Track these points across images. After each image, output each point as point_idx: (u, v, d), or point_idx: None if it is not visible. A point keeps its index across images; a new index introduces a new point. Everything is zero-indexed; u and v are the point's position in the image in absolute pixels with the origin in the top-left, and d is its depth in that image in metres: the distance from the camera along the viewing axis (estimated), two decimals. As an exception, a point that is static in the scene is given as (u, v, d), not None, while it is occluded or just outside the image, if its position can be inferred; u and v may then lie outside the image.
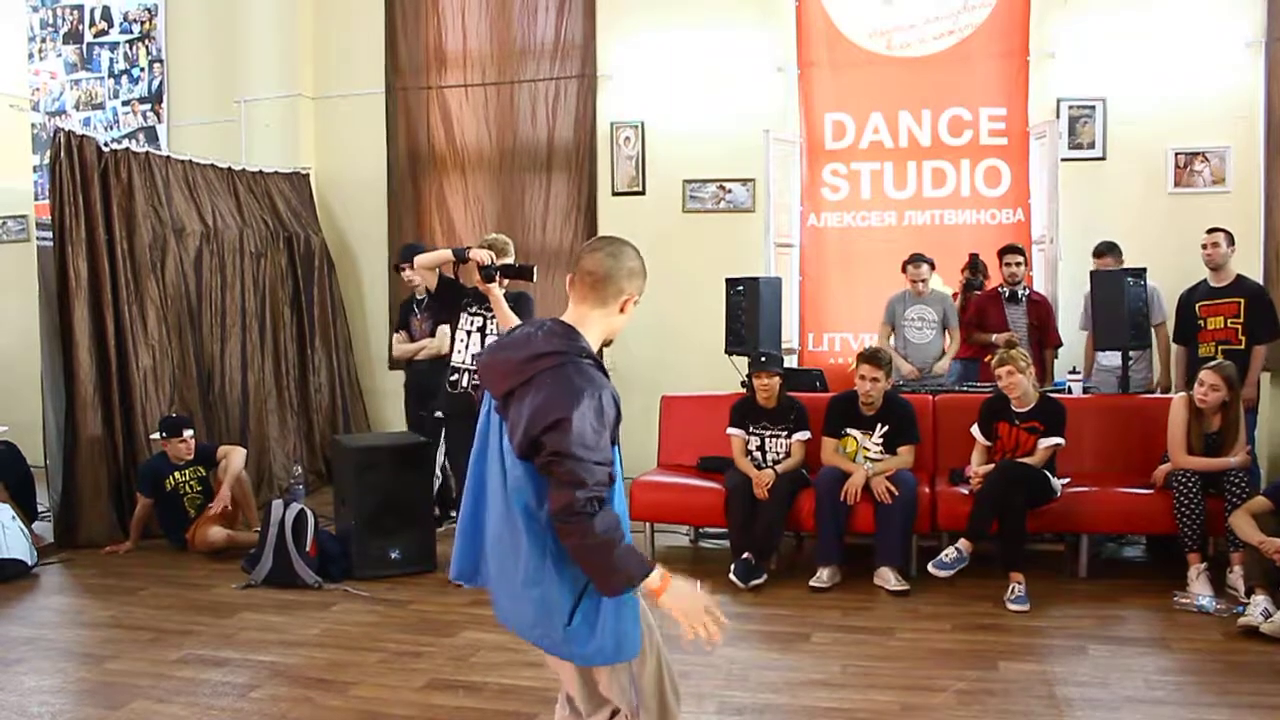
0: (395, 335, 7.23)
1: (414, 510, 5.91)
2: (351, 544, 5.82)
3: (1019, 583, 5.26)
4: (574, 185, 8.76)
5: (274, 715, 4.00)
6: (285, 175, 8.83)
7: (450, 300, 5.67)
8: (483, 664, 4.52)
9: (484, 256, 5.24)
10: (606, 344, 2.74)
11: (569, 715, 2.93)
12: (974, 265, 7.33)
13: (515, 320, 4.67)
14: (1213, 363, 5.72)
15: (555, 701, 4.03)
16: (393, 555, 5.84)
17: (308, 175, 9.06)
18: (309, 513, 5.81)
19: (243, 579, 5.72)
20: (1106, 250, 7.09)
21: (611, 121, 8.64)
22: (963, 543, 5.38)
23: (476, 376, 5.45)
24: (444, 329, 6.96)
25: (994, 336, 6.81)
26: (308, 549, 5.71)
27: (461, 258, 5.51)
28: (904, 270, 7.08)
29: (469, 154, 8.94)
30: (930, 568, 5.38)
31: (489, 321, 5.60)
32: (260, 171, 8.56)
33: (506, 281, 5.23)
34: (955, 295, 7.30)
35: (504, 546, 2.62)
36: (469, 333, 5.68)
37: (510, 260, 5.62)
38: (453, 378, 5.72)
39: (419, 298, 6.99)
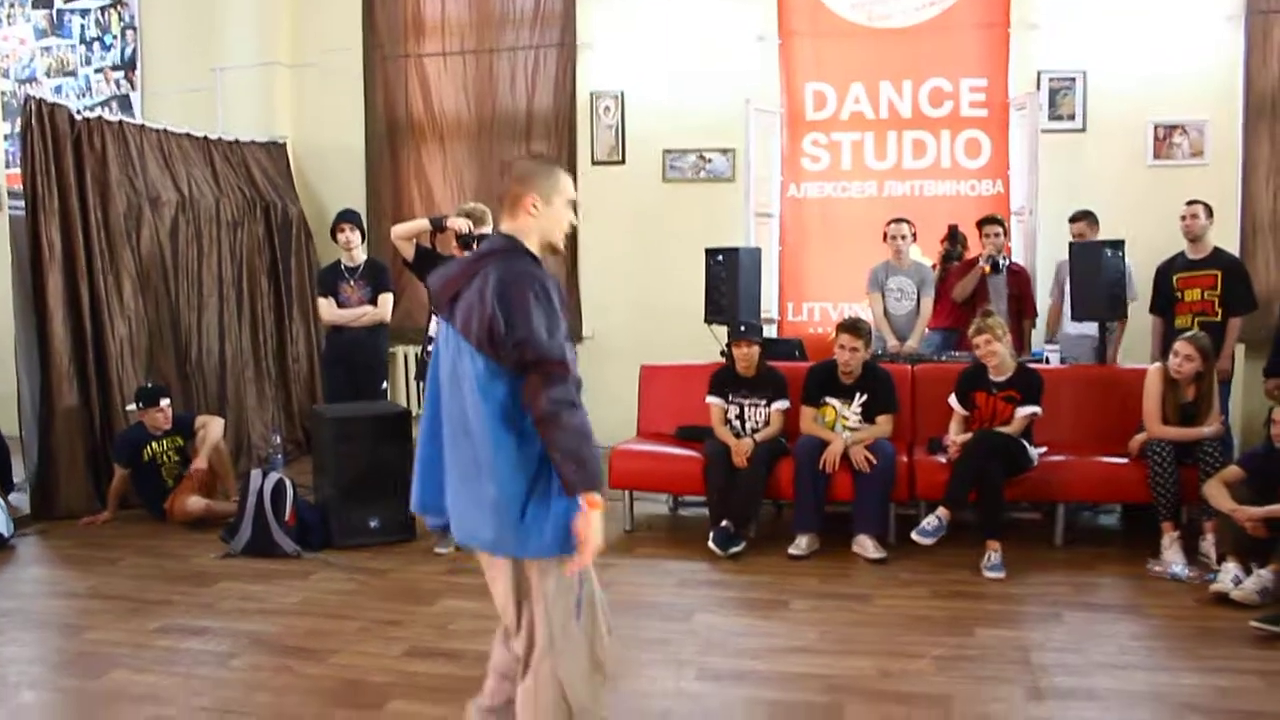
0: (321, 301, 7.05)
1: (393, 479, 5.88)
2: (330, 513, 5.83)
3: (995, 551, 5.30)
4: (553, 154, 8.70)
5: (254, 684, 4.01)
6: (262, 144, 8.75)
7: (428, 270, 5.64)
8: (461, 631, 4.53)
9: (462, 225, 5.22)
10: (552, 251, 2.97)
11: (505, 653, 3.07)
12: (953, 236, 7.34)
13: None
14: (1188, 333, 5.76)
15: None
16: (372, 524, 5.84)
17: (285, 144, 8.98)
18: (288, 482, 5.80)
19: (221, 549, 5.71)
20: (1082, 217, 7.14)
21: (591, 91, 8.59)
22: (942, 511, 5.42)
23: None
24: (387, 297, 6.95)
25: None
26: (286, 518, 5.71)
27: (439, 226, 5.48)
28: (885, 232, 7.07)
29: (447, 123, 8.88)
30: (914, 535, 5.41)
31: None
32: (236, 141, 8.48)
33: None
34: (934, 266, 7.31)
35: (464, 458, 2.78)
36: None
37: (488, 229, 5.61)
38: (431, 348, 5.68)
39: (349, 265, 6.94)
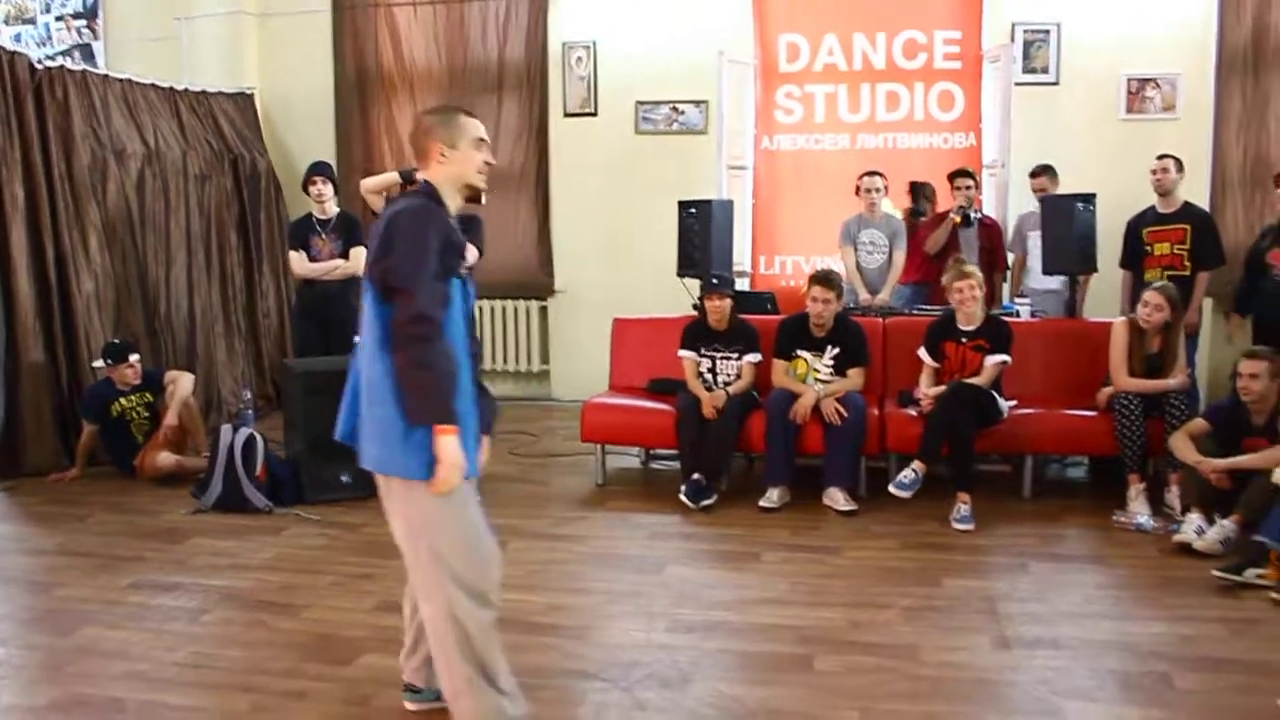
0: (292, 254, 7.00)
1: (365, 434, 5.88)
2: (302, 468, 5.81)
3: (965, 503, 5.36)
4: (525, 106, 8.64)
5: (226, 638, 4.01)
6: (229, 95, 8.62)
7: None
8: (435, 586, 4.54)
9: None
10: (473, 198, 3.16)
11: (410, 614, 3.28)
12: (916, 193, 7.33)
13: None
14: (1157, 284, 5.81)
15: (506, 621, 4.09)
16: (343, 479, 5.82)
17: (252, 95, 8.86)
18: (259, 437, 5.78)
19: (192, 505, 5.69)
20: (1042, 172, 7.16)
21: (563, 41, 8.49)
22: (917, 464, 5.45)
23: None
24: (360, 250, 6.90)
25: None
26: (257, 474, 5.69)
27: (409, 179, 5.42)
28: (859, 185, 7.07)
29: (418, 74, 8.77)
30: (891, 488, 5.44)
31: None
32: (204, 92, 8.36)
33: None
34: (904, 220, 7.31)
35: (369, 387, 2.95)
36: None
37: None
38: None
39: (321, 218, 6.89)
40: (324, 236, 6.88)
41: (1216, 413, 5.27)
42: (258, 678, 3.65)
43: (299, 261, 6.81)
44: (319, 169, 6.95)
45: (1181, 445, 5.21)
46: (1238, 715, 3.34)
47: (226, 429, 5.78)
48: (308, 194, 6.88)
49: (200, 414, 6.79)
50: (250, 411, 5.97)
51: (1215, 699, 3.45)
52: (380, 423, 2.91)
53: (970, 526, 5.26)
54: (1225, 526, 4.85)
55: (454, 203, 3.07)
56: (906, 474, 5.45)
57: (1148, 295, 5.69)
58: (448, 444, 2.82)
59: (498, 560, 3.07)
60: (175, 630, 4.09)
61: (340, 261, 6.76)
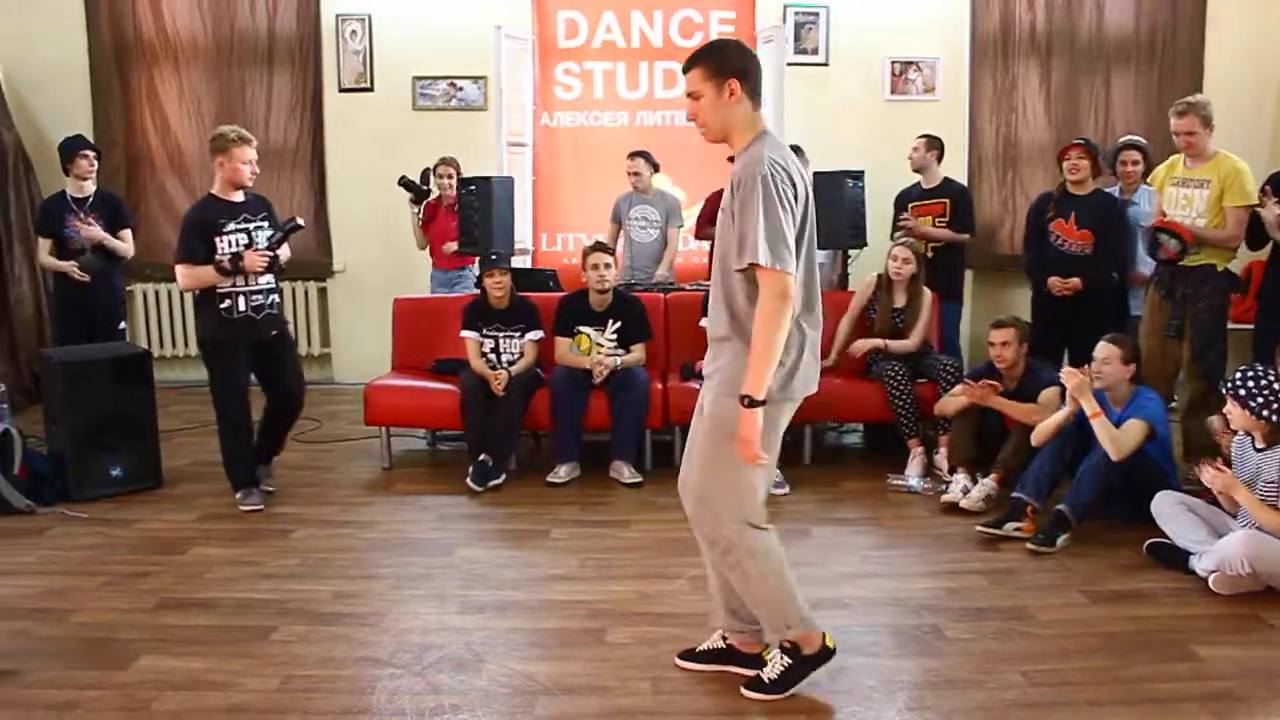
0: (42, 243, 6.74)
1: (136, 424, 5.61)
2: (67, 463, 5.48)
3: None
4: (298, 80, 8.34)
5: (-16, 649, 3.76)
6: (-33, 64, 8.00)
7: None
8: (216, 579, 4.38)
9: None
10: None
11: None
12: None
13: None
14: (901, 238, 6.19)
15: (293, 613, 4.00)
16: (114, 473, 5.54)
17: (-5, 64, 8.24)
18: (15, 432, 5.42)
19: (-59, 507, 5.30)
20: (794, 151, 7.41)
21: (337, 13, 8.22)
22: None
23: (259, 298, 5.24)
24: (128, 233, 6.71)
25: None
26: (15, 471, 5.34)
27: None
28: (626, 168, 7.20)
29: (181, 44, 8.32)
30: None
31: (253, 234, 5.23)
32: (-63, 59, 7.73)
33: None
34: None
35: None
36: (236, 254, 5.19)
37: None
38: (224, 304, 5.20)
39: (78, 196, 6.57)
40: (82, 216, 6.53)
41: (975, 377, 5.61)
42: (20, 691, 3.42)
43: (48, 255, 6.67)
44: (84, 143, 6.60)
45: (948, 403, 5.59)
46: (1001, 658, 3.58)
47: (-22, 424, 5.40)
48: (69, 173, 6.52)
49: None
50: (4, 405, 5.60)
51: (980, 644, 3.70)
52: None
53: (786, 490, 5.52)
54: (986, 485, 5.20)
55: None
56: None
57: (895, 250, 6.09)
58: None
59: None
60: (-73, 643, 3.81)
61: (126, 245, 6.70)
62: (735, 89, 3.10)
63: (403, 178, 6.86)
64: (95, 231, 6.53)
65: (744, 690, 3.36)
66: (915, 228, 6.76)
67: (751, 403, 3.00)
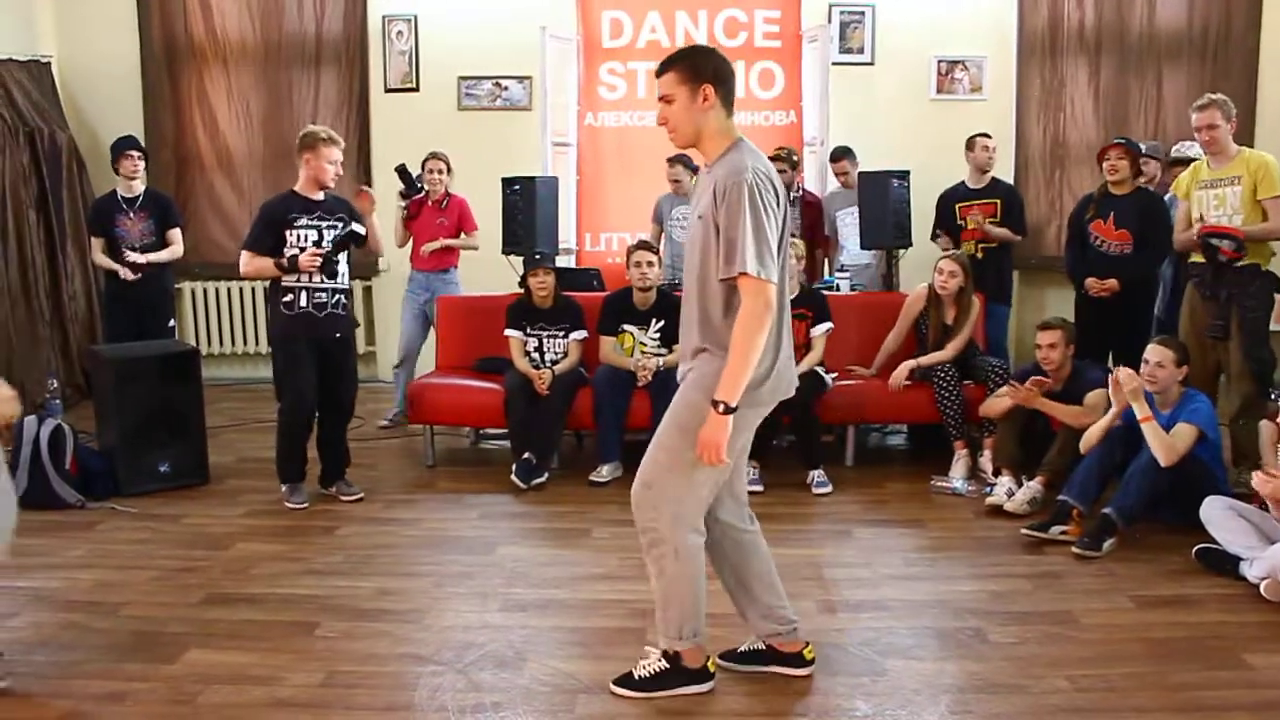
0: (94, 242, 6.80)
1: (184, 421, 5.69)
2: (116, 459, 5.56)
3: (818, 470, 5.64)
4: (345, 80, 8.43)
5: (36, 642, 3.80)
6: (21, 64, 8.11)
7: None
8: (261, 575, 4.43)
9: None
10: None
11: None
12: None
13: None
14: (949, 252, 6.11)
15: (337, 609, 4.04)
16: (162, 469, 5.62)
17: (49, 64, 8.36)
18: (67, 428, 5.50)
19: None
20: (843, 155, 7.38)
21: (384, 14, 8.31)
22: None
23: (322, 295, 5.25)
24: (178, 233, 6.81)
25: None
26: (67, 467, 5.42)
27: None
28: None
29: (231, 45, 8.44)
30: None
31: (326, 230, 5.24)
32: (-7, 58, 7.86)
33: None
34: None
35: None
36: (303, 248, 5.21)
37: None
38: (286, 298, 5.23)
39: (127, 196, 6.66)
40: (132, 216, 6.64)
41: (1021, 378, 5.55)
42: (71, 683, 3.48)
43: (101, 254, 6.73)
44: (131, 143, 6.69)
45: (993, 402, 5.54)
46: (1046, 662, 3.54)
47: (31, 420, 5.45)
48: (118, 172, 6.62)
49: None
50: (57, 401, 5.69)
51: (1025, 649, 3.65)
52: None
53: (829, 489, 5.53)
54: (1032, 488, 5.14)
55: None
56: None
57: (941, 263, 5.99)
58: None
59: None
60: (-21, 635, 3.88)
61: (176, 252, 6.83)
62: (709, 94, 3.08)
63: (401, 165, 6.58)
64: (140, 260, 6.63)
65: (611, 685, 3.37)
66: (980, 227, 6.70)
67: (726, 409, 3.00)
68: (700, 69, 3.09)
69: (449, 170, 6.97)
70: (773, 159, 6.99)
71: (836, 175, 7.41)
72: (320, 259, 5.13)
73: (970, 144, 6.89)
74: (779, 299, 3.10)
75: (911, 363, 5.90)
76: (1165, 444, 4.61)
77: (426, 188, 6.83)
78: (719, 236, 3.01)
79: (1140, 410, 4.70)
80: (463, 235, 6.95)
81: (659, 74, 3.16)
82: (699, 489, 3.20)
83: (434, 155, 7.00)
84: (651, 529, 3.23)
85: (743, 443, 3.24)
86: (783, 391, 3.23)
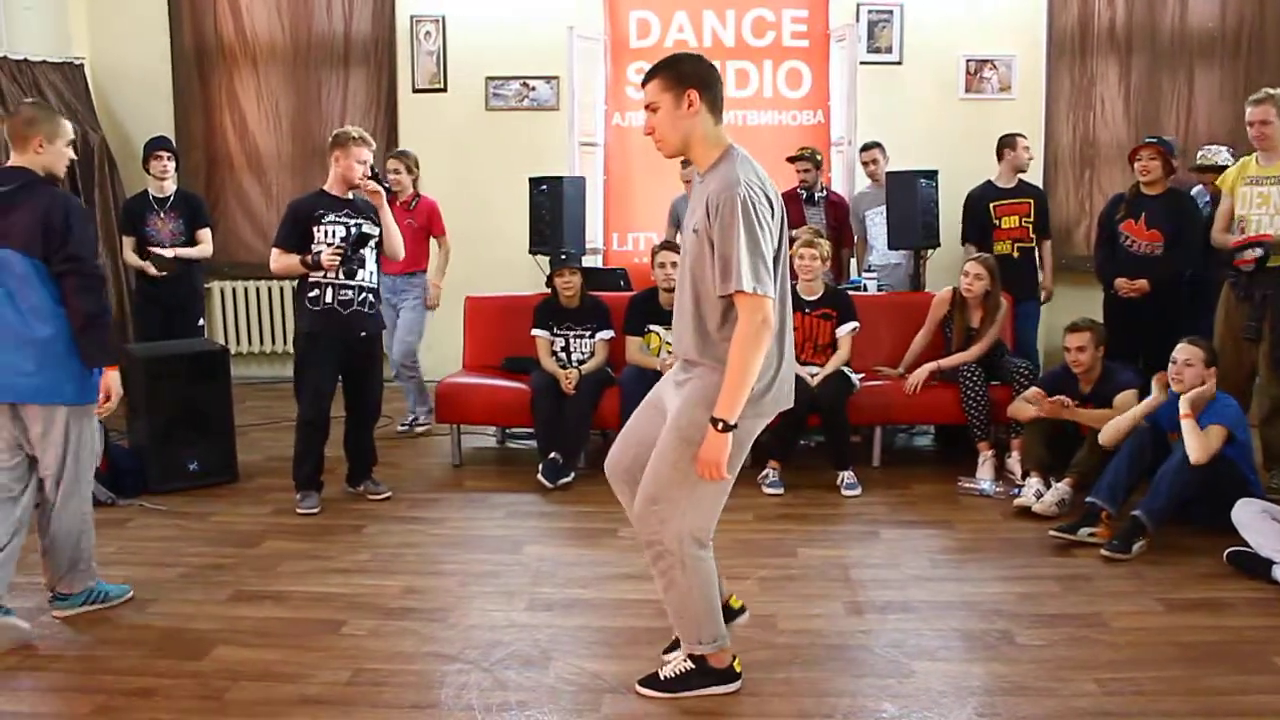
0: (126, 240, 6.82)
1: (212, 420, 5.73)
2: (146, 457, 5.61)
3: (847, 472, 5.63)
4: (373, 81, 8.47)
5: (66, 637, 3.85)
6: (55, 65, 8.19)
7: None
8: (288, 573, 4.45)
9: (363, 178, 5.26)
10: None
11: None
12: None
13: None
14: (976, 255, 6.07)
15: (363, 607, 4.06)
16: (191, 467, 5.66)
17: (82, 65, 8.44)
18: (98, 426, 5.53)
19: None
20: (873, 145, 7.35)
21: (412, 15, 8.34)
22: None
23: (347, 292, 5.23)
24: (207, 233, 6.83)
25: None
26: (98, 464, 5.46)
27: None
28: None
29: (260, 47, 8.50)
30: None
31: (352, 228, 5.22)
32: (25, 60, 7.93)
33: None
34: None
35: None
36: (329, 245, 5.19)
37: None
38: (312, 294, 5.22)
39: (158, 196, 6.70)
40: (162, 216, 6.69)
41: (1050, 380, 5.53)
42: (101, 678, 3.51)
43: (133, 254, 6.77)
44: (162, 143, 6.73)
45: (1021, 407, 5.49)
46: (1074, 665, 3.51)
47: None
48: (149, 171, 6.66)
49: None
50: (88, 399, 5.73)
51: (1052, 651, 3.63)
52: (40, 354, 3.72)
53: (858, 491, 5.51)
54: (1060, 489, 5.11)
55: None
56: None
57: (968, 266, 5.95)
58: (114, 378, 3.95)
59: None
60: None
61: (203, 250, 6.87)
62: (694, 100, 3.06)
63: (371, 167, 6.41)
64: (170, 257, 6.67)
65: (637, 685, 3.36)
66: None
67: (725, 427, 2.97)
68: (684, 74, 3.08)
69: (411, 171, 6.78)
70: (795, 159, 7.08)
71: (865, 165, 7.37)
72: (339, 256, 5.13)
73: (1011, 143, 6.82)
74: (779, 309, 3.07)
75: (932, 365, 5.87)
76: (1201, 441, 4.57)
77: (392, 188, 6.70)
78: (714, 252, 2.98)
79: (1185, 407, 4.66)
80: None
81: (644, 83, 3.15)
82: (702, 501, 3.17)
83: (393, 154, 6.91)
84: (656, 542, 3.19)
85: (741, 454, 3.19)
86: (784, 401, 3.20)
